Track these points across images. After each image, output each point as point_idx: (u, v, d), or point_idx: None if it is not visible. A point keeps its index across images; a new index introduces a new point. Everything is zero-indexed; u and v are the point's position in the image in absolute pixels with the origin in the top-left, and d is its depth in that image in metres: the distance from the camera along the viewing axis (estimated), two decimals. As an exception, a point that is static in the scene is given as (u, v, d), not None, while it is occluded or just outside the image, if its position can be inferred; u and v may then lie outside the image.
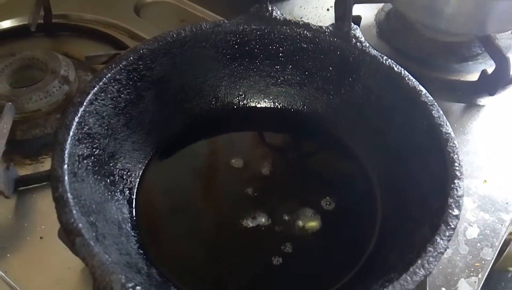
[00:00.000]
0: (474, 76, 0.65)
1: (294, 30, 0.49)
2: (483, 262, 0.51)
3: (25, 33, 0.67)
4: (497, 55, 0.62)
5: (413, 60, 0.67)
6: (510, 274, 0.63)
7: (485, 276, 0.51)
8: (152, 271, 0.40)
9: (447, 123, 0.42)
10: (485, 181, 0.58)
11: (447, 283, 0.49)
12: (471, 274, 0.50)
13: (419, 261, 0.34)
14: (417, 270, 0.33)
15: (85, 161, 0.40)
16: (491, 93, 0.64)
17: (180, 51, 0.48)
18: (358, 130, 0.50)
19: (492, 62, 0.63)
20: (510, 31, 0.69)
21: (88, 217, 0.36)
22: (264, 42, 0.50)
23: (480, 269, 0.51)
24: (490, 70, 0.63)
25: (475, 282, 0.50)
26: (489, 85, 0.64)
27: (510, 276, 0.67)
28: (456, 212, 0.36)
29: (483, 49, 0.67)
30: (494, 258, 0.53)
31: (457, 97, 0.65)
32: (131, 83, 0.46)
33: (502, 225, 0.55)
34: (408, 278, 0.33)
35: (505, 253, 0.57)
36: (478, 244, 0.53)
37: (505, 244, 0.56)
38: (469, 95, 0.65)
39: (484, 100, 0.65)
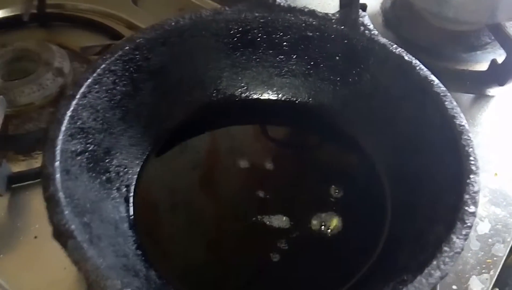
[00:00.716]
0: (483, 66, 0.64)
1: (298, 18, 0.47)
2: (494, 258, 0.50)
3: (18, 23, 0.65)
4: (508, 44, 0.61)
5: (420, 50, 0.64)
6: (521, 270, 0.61)
7: (497, 273, 0.50)
8: (150, 273, 0.38)
9: (461, 115, 0.40)
10: (496, 174, 0.57)
11: (458, 280, 0.48)
12: (483, 271, 0.49)
13: (435, 262, 0.32)
14: (432, 271, 0.31)
15: (78, 158, 0.38)
16: (501, 83, 0.62)
17: (179, 40, 0.46)
18: (366, 122, 0.48)
19: (502, 51, 0.62)
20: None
21: (82, 218, 0.34)
22: (267, 30, 0.48)
23: (492, 266, 0.49)
24: (499, 59, 0.61)
25: (486, 279, 0.49)
26: (499, 75, 0.62)
27: (521, 272, 0.65)
28: (472, 209, 0.35)
29: (492, 38, 0.65)
30: (506, 254, 0.51)
31: (466, 87, 0.64)
32: (127, 74, 0.44)
33: (514, 220, 0.53)
34: (423, 280, 0.31)
35: (517, 249, 0.55)
36: (490, 240, 0.51)
37: (518, 239, 0.55)
38: (478, 86, 0.63)
39: (493, 91, 0.63)
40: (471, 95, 0.65)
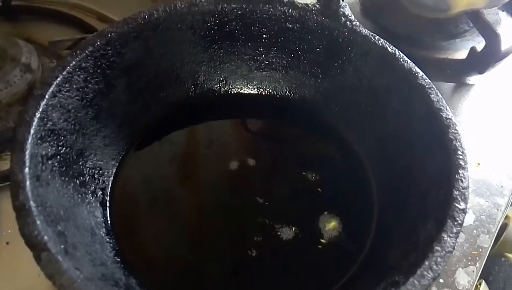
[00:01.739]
0: (462, 54, 0.63)
1: (278, 9, 0.46)
2: (480, 250, 0.50)
3: (-19, 17, 0.63)
4: (487, 31, 0.60)
5: (399, 38, 0.63)
6: (504, 259, 0.62)
7: (483, 264, 0.49)
8: (131, 282, 0.36)
9: (447, 107, 0.39)
10: (479, 164, 0.57)
11: (444, 274, 0.48)
12: (469, 263, 0.49)
13: (426, 263, 0.31)
14: (425, 272, 0.31)
15: (49, 162, 0.36)
16: (481, 71, 0.62)
17: (153, 34, 0.44)
18: (350, 116, 0.47)
19: (480, 38, 0.61)
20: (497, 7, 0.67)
21: (56, 227, 0.32)
22: (246, 22, 0.46)
23: (477, 258, 0.49)
24: (479, 47, 0.61)
25: (473, 271, 0.48)
26: (479, 62, 0.61)
27: (503, 261, 0.66)
28: (462, 205, 0.34)
29: (471, 25, 0.65)
30: (491, 245, 0.51)
31: (446, 76, 0.63)
32: (99, 71, 0.42)
33: (498, 209, 0.53)
34: (416, 282, 0.30)
35: (501, 238, 0.55)
36: (475, 231, 0.51)
37: (501, 229, 0.55)
38: (458, 74, 0.63)
39: (473, 79, 0.63)
40: (451, 84, 0.65)
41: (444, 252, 0.32)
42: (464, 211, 0.34)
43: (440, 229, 0.33)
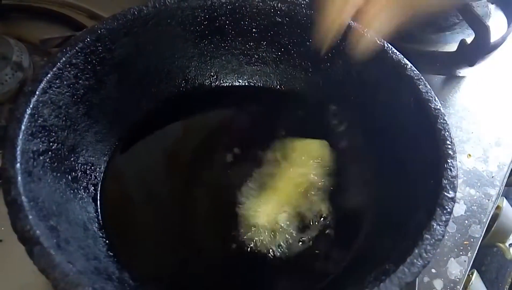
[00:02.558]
0: (452, 47, 0.63)
1: (267, 3, 0.46)
2: (471, 240, 0.50)
3: (-29, 16, 0.62)
4: (476, 23, 0.60)
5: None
6: (496, 249, 0.62)
7: (475, 254, 0.50)
8: (124, 275, 0.36)
9: (436, 98, 0.39)
10: (469, 155, 0.57)
11: (436, 263, 0.48)
12: (461, 253, 0.49)
13: (416, 250, 0.31)
14: (415, 260, 0.31)
15: (41, 158, 0.36)
16: (471, 63, 0.62)
17: (143, 30, 0.44)
18: (340, 108, 0.47)
19: (470, 31, 0.61)
20: (486, -1, 0.67)
21: (48, 221, 0.33)
22: (236, 17, 0.46)
23: (469, 247, 0.50)
24: (468, 40, 0.61)
25: (465, 261, 0.49)
26: (469, 55, 0.62)
27: (496, 251, 0.66)
28: (451, 194, 0.34)
29: (460, 18, 0.65)
30: (482, 235, 0.51)
31: (436, 69, 0.63)
32: (89, 67, 0.42)
33: (489, 200, 0.53)
34: (406, 270, 0.31)
35: (492, 228, 0.55)
36: (466, 221, 0.52)
37: (492, 219, 0.55)
38: (448, 67, 0.63)
39: (464, 71, 0.63)
40: (442, 76, 0.65)
41: (433, 240, 0.32)
42: (453, 199, 0.34)
43: (429, 218, 0.33)
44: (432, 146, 0.37)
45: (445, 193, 0.34)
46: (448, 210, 0.33)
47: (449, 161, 0.36)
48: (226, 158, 0.46)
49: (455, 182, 0.35)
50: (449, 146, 0.36)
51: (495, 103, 0.63)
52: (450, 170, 0.35)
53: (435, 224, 0.32)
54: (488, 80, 0.65)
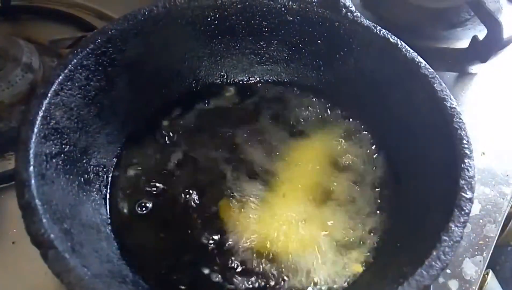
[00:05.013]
0: (464, 43, 0.63)
1: (278, 2, 0.45)
2: (487, 239, 0.50)
3: (-19, 18, 0.63)
4: (488, 19, 0.60)
5: (399, 29, 0.62)
6: (510, 248, 0.61)
7: (490, 254, 0.49)
8: (137, 278, 0.36)
9: (451, 96, 0.39)
10: (483, 153, 0.56)
11: (451, 264, 0.48)
12: (476, 253, 0.49)
13: (434, 253, 0.31)
14: (433, 263, 0.31)
15: (54, 160, 0.36)
16: (483, 60, 0.61)
17: (153, 30, 0.44)
18: (353, 108, 0.47)
19: (481, 27, 0.61)
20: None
21: (62, 224, 0.32)
22: (246, 16, 0.46)
23: (484, 247, 0.49)
24: (480, 36, 0.60)
25: (480, 261, 0.48)
26: (481, 51, 0.61)
27: (510, 250, 0.65)
28: (469, 194, 0.34)
29: (472, 14, 0.64)
30: (498, 234, 0.51)
31: (448, 65, 0.63)
32: (100, 68, 0.42)
33: (503, 199, 0.53)
34: (424, 272, 0.30)
35: (508, 227, 0.55)
36: (481, 221, 0.51)
37: (507, 218, 0.54)
38: (460, 63, 0.63)
39: (476, 68, 0.63)
40: (454, 73, 0.64)
41: (452, 241, 0.31)
42: (471, 200, 0.33)
43: (447, 219, 0.32)
44: (448, 145, 0.37)
45: (463, 194, 0.33)
46: (466, 211, 0.33)
47: (466, 161, 0.35)
48: (241, 155, 0.46)
49: (472, 182, 0.34)
50: (466, 146, 0.36)
51: (508, 100, 0.62)
52: (467, 170, 0.35)
53: (453, 226, 0.32)
54: (501, 76, 0.64)
